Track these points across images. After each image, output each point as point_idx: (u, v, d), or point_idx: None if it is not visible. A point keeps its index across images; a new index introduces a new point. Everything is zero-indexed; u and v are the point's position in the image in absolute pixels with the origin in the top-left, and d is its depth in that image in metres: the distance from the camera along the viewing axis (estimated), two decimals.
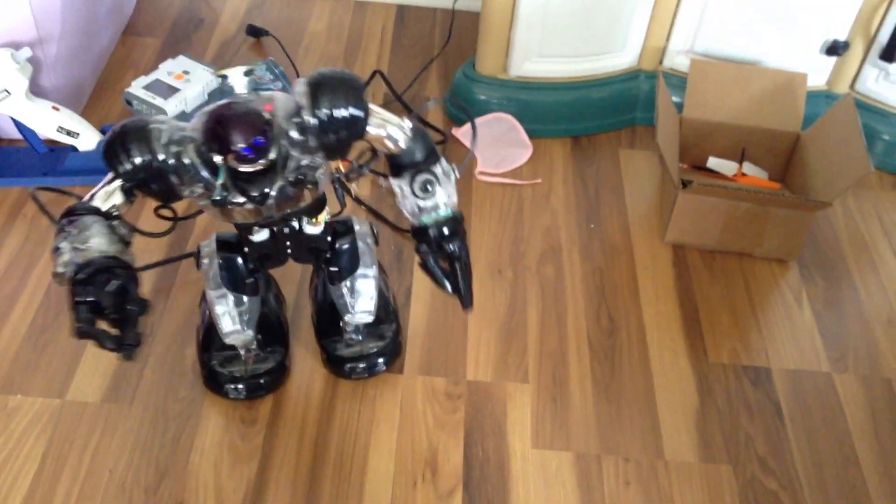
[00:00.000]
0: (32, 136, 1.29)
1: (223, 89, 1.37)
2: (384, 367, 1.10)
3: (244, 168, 0.81)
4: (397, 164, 0.91)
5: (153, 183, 0.82)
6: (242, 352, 1.03)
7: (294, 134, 0.83)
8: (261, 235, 0.94)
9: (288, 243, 0.96)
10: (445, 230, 0.92)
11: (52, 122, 1.27)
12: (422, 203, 0.91)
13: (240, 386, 1.05)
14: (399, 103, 1.46)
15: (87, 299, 0.78)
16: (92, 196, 0.84)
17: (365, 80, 1.01)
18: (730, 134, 1.41)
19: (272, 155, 0.81)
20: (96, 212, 0.83)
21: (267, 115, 0.81)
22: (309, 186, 0.87)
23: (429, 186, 0.90)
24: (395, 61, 1.63)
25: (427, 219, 0.91)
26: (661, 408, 1.09)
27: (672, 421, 1.08)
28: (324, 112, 0.82)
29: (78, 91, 1.43)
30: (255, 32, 1.65)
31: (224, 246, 0.98)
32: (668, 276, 1.27)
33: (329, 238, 0.99)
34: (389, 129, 0.88)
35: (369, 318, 1.04)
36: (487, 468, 1.01)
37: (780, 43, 1.42)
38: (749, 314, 1.22)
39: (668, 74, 1.48)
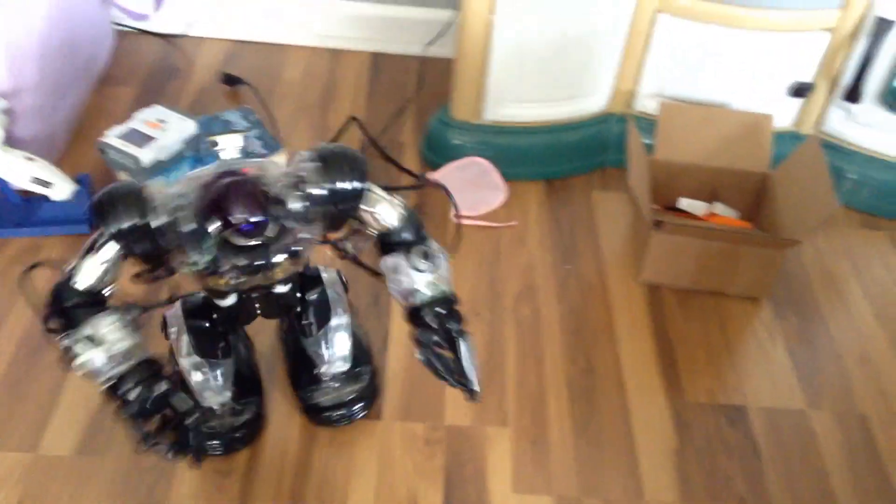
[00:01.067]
0: (5, 187, 1.28)
1: (199, 141, 1.38)
2: (363, 413, 1.09)
3: (242, 242, 0.81)
4: (389, 242, 0.92)
5: (142, 246, 0.81)
6: (217, 408, 1.01)
7: (295, 205, 0.83)
8: (229, 300, 0.94)
9: (257, 305, 0.95)
10: (443, 309, 0.91)
11: (26, 172, 1.26)
12: (420, 276, 0.90)
13: (215, 442, 1.02)
14: (376, 149, 1.47)
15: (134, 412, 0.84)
16: (82, 258, 0.83)
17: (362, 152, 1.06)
18: (700, 175, 1.43)
19: (270, 232, 0.82)
20: (91, 297, 0.84)
21: (268, 188, 0.81)
22: (300, 257, 0.88)
23: (428, 255, 0.91)
24: (370, 108, 1.64)
25: (423, 295, 0.90)
26: (640, 448, 1.10)
27: (651, 461, 1.08)
28: (333, 185, 0.84)
29: (52, 141, 1.43)
30: (230, 81, 1.66)
31: (191, 313, 0.97)
32: (644, 315, 1.28)
33: (298, 293, 0.99)
34: (384, 205, 0.90)
35: (345, 367, 1.04)
36: None
37: (747, 85, 1.45)
38: (724, 352, 1.24)
39: (638, 117, 1.50)
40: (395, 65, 1.77)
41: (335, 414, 1.08)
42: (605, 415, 1.13)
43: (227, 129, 1.44)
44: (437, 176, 1.47)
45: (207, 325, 0.96)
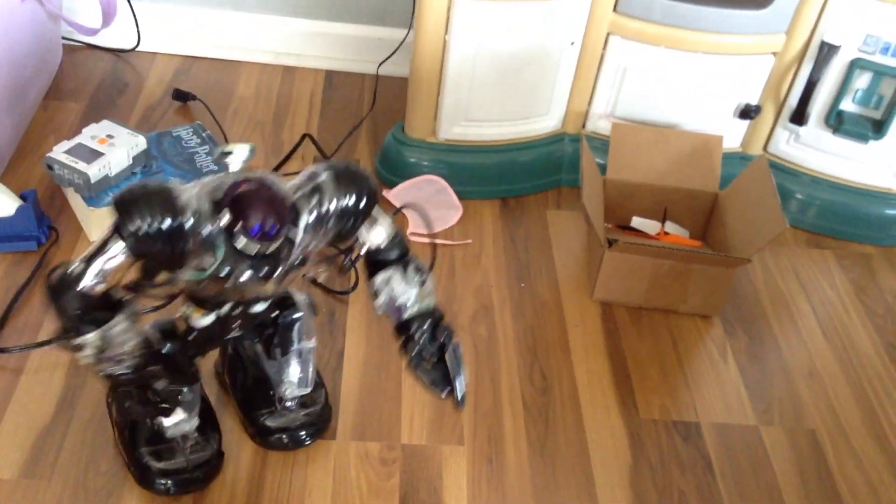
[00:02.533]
0: None
1: (149, 157, 1.36)
2: (315, 438, 1.07)
3: (255, 248, 0.81)
4: (378, 260, 0.94)
5: (167, 247, 0.78)
6: (180, 441, 0.98)
7: (310, 217, 0.83)
8: (206, 320, 0.92)
9: (236, 324, 0.94)
10: (433, 321, 0.94)
11: None
12: (413, 291, 0.93)
13: (168, 482, 0.98)
14: None
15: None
16: (89, 260, 0.79)
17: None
18: (651, 194, 1.45)
19: (290, 236, 0.82)
20: (101, 301, 0.82)
21: (286, 198, 0.82)
22: (303, 267, 0.88)
23: (420, 270, 0.94)
24: (324, 125, 1.64)
25: (415, 309, 0.93)
26: (596, 465, 1.10)
27: (606, 479, 1.08)
28: (345, 199, 0.85)
29: None
30: (181, 97, 1.64)
31: (163, 335, 0.93)
32: (598, 333, 1.29)
33: (273, 314, 0.98)
34: (379, 224, 0.91)
35: (308, 390, 1.03)
36: None
37: (697, 107, 1.48)
38: (677, 369, 1.25)
39: (590, 137, 1.52)
40: (349, 82, 1.77)
41: (285, 437, 1.06)
42: (561, 432, 1.13)
43: (179, 145, 1.42)
44: (392, 194, 1.47)
45: (179, 348, 0.93)
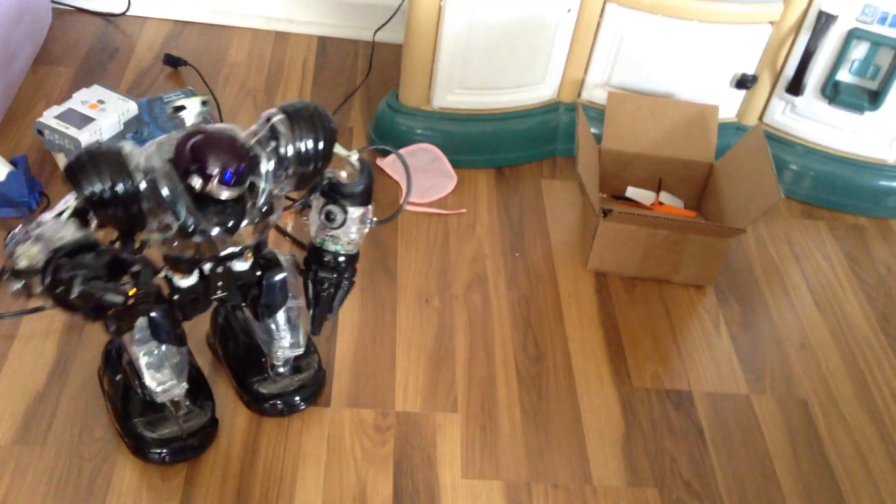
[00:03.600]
0: None
1: (140, 122, 1.34)
2: (309, 403, 1.07)
3: (224, 194, 0.79)
4: (331, 189, 0.94)
5: (123, 210, 0.78)
6: (172, 409, 0.97)
7: (269, 163, 0.82)
8: (189, 280, 0.91)
9: (220, 283, 0.93)
10: (340, 260, 0.99)
11: None
12: (357, 231, 0.97)
13: (163, 451, 0.98)
14: None
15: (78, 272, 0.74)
16: (43, 228, 0.78)
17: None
18: (647, 164, 1.45)
19: (248, 183, 0.81)
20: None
21: (246, 144, 0.80)
22: (271, 217, 0.86)
23: (332, 216, 0.95)
24: (317, 92, 1.62)
25: (329, 244, 0.98)
26: (588, 433, 1.10)
27: (599, 446, 1.09)
28: (303, 143, 0.84)
29: None
30: (172, 62, 1.62)
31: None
32: (592, 302, 1.29)
33: (257, 272, 0.97)
34: (345, 162, 0.91)
35: (300, 351, 1.03)
36: (417, 500, 1.00)
37: (693, 76, 1.48)
38: (669, 339, 1.25)
39: (586, 107, 1.51)
40: (342, 49, 1.75)
41: (280, 403, 1.06)
42: (554, 400, 1.14)
43: (170, 104, 1.41)
44: (387, 162, 1.46)
45: (164, 310, 0.93)
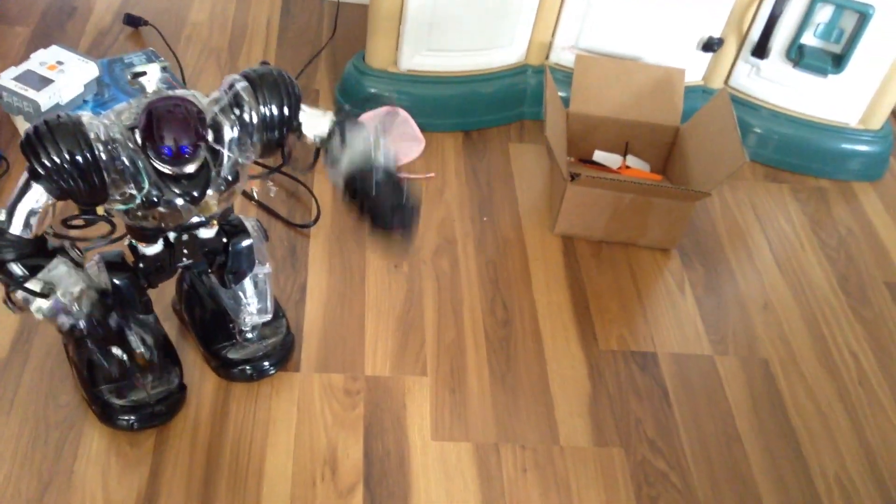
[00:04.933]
0: None
1: (101, 84, 1.32)
2: (278, 367, 1.07)
3: (184, 167, 0.78)
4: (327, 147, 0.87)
5: (84, 182, 0.76)
6: (139, 376, 0.97)
7: (232, 130, 0.81)
8: (154, 248, 0.90)
9: (185, 251, 0.92)
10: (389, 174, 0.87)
11: None
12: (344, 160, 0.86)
13: (131, 417, 0.98)
14: None
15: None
16: (12, 208, 0.78)
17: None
18: (614, 128, 1.45)
19: (211, 151, 0.80)
20: (35, 246, 0.81)
21: (203, 113, 0.79)
22: (236, 185, 0.85)
23: (337, 135, 0.86)
24: (282, 52, 1.60)
25: (365, 165, 0.85)
26: (556, 395, 1.12)
27: (566, 407, 1.11)
28: (268, 109, 0.82)
29: None
30: (132, 22, 1.58)
31: (110, 266, 0.91)
32: (559, 266, 1.30)
33: (223, 239, 0.96)
34: (315, 121, 0.86)
35: (268, 317, 1.02)
36: (388, 463, 1.01)
37: (660, 39, 1.48)
38: (635, 301, 1.27)
39: (554, 70, 1.51)
40: (307, 8, 1.72)
41: (248, 368, 1.06)
42: (522, 363, 1.15)
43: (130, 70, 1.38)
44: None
45: (128, 279, 0.92)
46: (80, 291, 0.83)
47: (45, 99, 1.24)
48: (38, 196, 0.78)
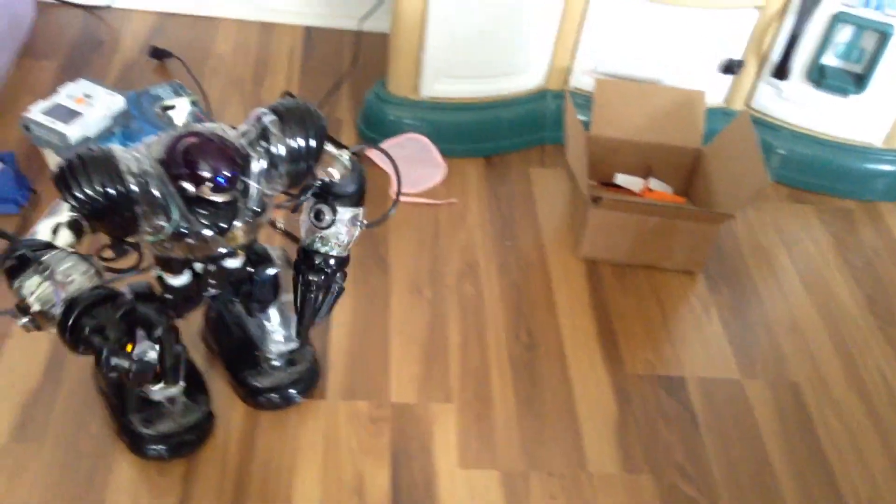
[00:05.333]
0: None
1: (128, 117, 1.34)
2: (304, 395, 1.08)
3: (217, 198, 0.79)
4: (330, 192, 0.93)
5: (116, 214, 0.77)
6: (168, 405, 0.98)
7: (260, 163, 0.82)
8: (182, 279, 0.92)
9: (212, 281, 0.93)
10: (330, 262, 0.96)
11: None
12: (348, 233, 0.95)
13: (161, 447, 0.98)
14: None
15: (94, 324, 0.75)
16: (33, 234, 0.78)
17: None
18: (635, 151, 1.45)
19: (240, 187, 0.81)
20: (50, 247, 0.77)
21: (237, 145, 0.80)
22: (263, 217, 0.86)
23: (321, 215, 0.93)
24: (304, 82, 1.62)
25: (318, 245, 0.95)
26: (583, 420, 1.11)
27: (593, 433, 1.10)
28: (295, 141, 0.83)
29: None
30: (158, 54, 1.61)
31: (140, 297, 0.91)
32: (583, 290, 1.30)
33: (249, 268, 0.97)
34: (336, 161, 0.90)
35: (294, 344, 1.03)
36: (415, 491, 1.01)
37: (680, 62, 1.48)
38: (661, 325, 1.26)
39: (574, 94, 1.51)
40: (329, 39, 1.74)
41: (275, 396, 1.06)
42: (548, 389, 1.15)
43: (158, 104, 1.40)
44: (375, 153, 1.46)
45: (157, 308, 0.92)
46: (80, 275, 0.77)
47: (74, 132, 1.26)
48: (69, 216, 0.78)
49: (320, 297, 0.98)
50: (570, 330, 1.23)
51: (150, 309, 0.85)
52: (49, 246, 0.77)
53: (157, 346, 0.81)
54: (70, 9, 1.70)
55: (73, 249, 0.78)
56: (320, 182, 0.92)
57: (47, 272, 0.75)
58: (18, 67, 1.54)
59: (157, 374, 0.92)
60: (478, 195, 1.43)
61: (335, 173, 0.92)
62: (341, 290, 0.99)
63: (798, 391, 1.19)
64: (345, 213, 0.94)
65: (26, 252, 0.75)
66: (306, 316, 0.99)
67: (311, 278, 0.97)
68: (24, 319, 0.76)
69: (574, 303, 1.27)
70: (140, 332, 0.80)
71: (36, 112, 1.28)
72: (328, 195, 0.93)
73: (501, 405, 1.12)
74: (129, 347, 0.78)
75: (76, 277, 0.76)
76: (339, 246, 0.97)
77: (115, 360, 0.76)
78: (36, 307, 0.75)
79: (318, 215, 0.94)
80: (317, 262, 0.96)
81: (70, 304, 0.74)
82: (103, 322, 0.76)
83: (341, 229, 0.95)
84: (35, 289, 0.75)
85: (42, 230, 0.77)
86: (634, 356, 1.21)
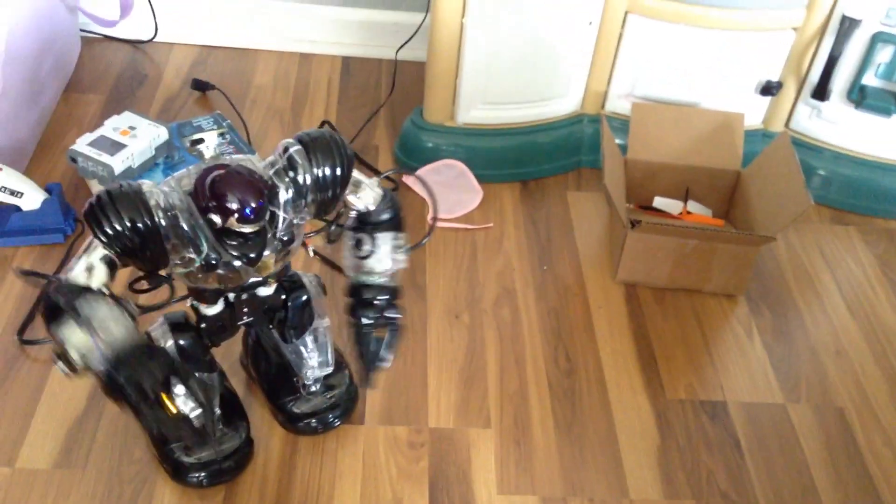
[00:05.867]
0: None
1: (171, 147, 1.37)
2: (343, 419, 1.08)
3: (245, 229, 0.80)
4: (370, 222, 0.94)
5: (146, 248, 0.79)
6: (207, 434, 0.99)
7: (288, 193, 0.83)
8: (215, 308, 0.93)
9: (245, 309, 0.95)
10: (383, 297, 0.97)
11: None
12: (393, 263, 0.95)
13: (201, 474, 0.99)
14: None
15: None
16: (75, 264, 0.80)
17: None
18: (673, 174, 1.44)
19: (273, 214, 0.82)
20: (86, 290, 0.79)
21: (265, 177, 0.81)
22: (293, 246, 0.87)
23: (360, 244, 0.95)
24: (342, 112, 1.64)
25: (364, 278, 0.96)
26: (623, 446, 1.10)
27: (634, 459, 1.09)
28: (321, 170, 0.84)
29: (20, 149, 1.40)
30: (200, 87, 1.64)
31: (174, 328, 0.94)
32: (622, 314, 1.29)
33: (282, 296, 0.98)
34: (365, 189, 0.92)
35: (329, 369, 1.03)
36: None
37: (717, 84, 1.47)
38: (702, 349, 1.25)
39: (610, 118, 1.51)
40: (366, 68, 1.77)
41: (314, 421, 1.07)
42: (588, 414, 1.14)
43: (189, 138, 1.43)
44: (412, 179, 1.47)
45: (192, 338, 0.94)
46: (118, 330, 0.78)
47: (119, 163, 1.29)
48: (102, 254, 0.80)
49: (378, 339, 0.98)
50: (609, 355, 1.22)
51: (193, 360, 0.90)
52: (85, 289, 0.78)
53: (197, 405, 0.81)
54: (115, 43, 1.75)
55: (108, 292, 0.80)
56: (356, 212, 0.93)
57: (82, 319, 0.77)
58: (66, 101, 1.59)
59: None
60: (514, 220, 1.43)
61: (368, 201, 0.93)
62: (399, 325, 0.99)
63: (844, 416, 1.17)
64: (384, 239, 0.95)
65: (60, 302, 0.77)
66: (368, 360, 0.99)
67: (364, 321, 0.97)
68: (62, 365, 0.79)
69: (613, 327, 1.26)
70: (180, 387, 0.80)
71: (82, 144, 1.31)
72: (366, 225, 0.94)
73: (540, 431, 1.11)
74: (164, 398, 0.79)
75: (111, 326, 0.78)
76: (385, 275, 0.97)
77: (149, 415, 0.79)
78: (75, 356, 0.78)
79: (358, 244, 0.95)
80: (366, 296, 0.97)
81: (111, 363, 0.77)
82: (140, 378, 0.78)
83: (383, 257, 0.95)
84: (72, 338, 0.77)
85: (78, 270, 0.79)
86: (675, 381, 1.19)
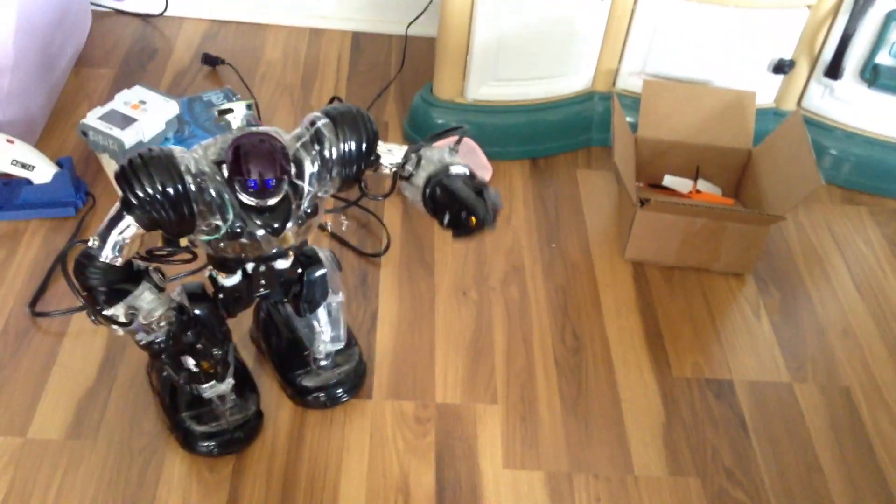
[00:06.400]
0: None
1: (182, 122, 1.37)
2: (351, 395, 1.09)
3: (268, 200, 0.81)
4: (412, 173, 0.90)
5: (175, 212, 0.80)
6: (218, 403, 1.00)
7: (313, 165, 0.84)
8: (233, 279, 0.94)
9: (262, 281, 0.95)
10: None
11: (6, 155, 1.25)
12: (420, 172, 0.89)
13: (211, 443, 1.01)
14: None
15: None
16: (105, 234, 0.81)
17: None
18: (683, 152, 1.44)
19: (292, 186, 0.83)
20: (122, 273, 0.85)
21: (287, 148, 0.82)
22: (314, 218, 0.88)
23: (405, 166, 0.89)
24: (352, 87, 1.64)
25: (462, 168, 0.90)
26: (629, 423, 1.11)
27: (640, 436, 1.09)
28: (347, 145, 0.85)
29: (32, 123, 1.41)
30: (210, 61, 1.64)
31: (192, 297, 0.94)
32: (630, 292, 1.29)
33: (298, 269, 0.99)
34: (390, 155, 0.90)
35: (341, 344, 1.04)
36: (459, 491, 1.01)
37: (729, 62, 1.46)
38: (709, 328, 1.25)
39: (621, 95, 1.51)
40: (376, 44, 1.76)
41: (322, 396, 1.08)
42: (594, 391, 1.14)
43: (216, 107, 1.43)
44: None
45: (209, 308, 0.95)
46: (160, 316, 0.88)
47: (129, 137, 1.29)
48: (128, 225, 0.81)
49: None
50: (616, 332, 1.22)
51: (209, 329, 0.94)
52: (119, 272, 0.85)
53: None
54: (125, 17, 1.75)
55: (143, 266, 0.88)
56: (389, 168, 0.90)
57: (129, 308, 0.87)
58: (76, 75, 1.59)
59: (208, 374, 0.95)
60: (523, 198, 1.43)
61: (400, 157, 0.89)
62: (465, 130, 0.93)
63: (850, 395, 1.17)
64: (433, 153, 0.90)
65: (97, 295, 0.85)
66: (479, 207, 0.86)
67: (455, 171, 0.89)
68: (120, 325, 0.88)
69: (620, 305, 1.27)
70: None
71: (93, 118, 1.31)
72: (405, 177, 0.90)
73: (547, 407, 1.12)
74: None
75: (155, 314, 0.88)
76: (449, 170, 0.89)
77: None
78: (119, 333, 0.88)
79: (404, 169, 0.90)
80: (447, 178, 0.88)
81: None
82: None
83: (433, 154, 0.90)
84: (121, 320, 0.87)
85: (108, 245, 0.82)
86: (682, 359, 1.20)
